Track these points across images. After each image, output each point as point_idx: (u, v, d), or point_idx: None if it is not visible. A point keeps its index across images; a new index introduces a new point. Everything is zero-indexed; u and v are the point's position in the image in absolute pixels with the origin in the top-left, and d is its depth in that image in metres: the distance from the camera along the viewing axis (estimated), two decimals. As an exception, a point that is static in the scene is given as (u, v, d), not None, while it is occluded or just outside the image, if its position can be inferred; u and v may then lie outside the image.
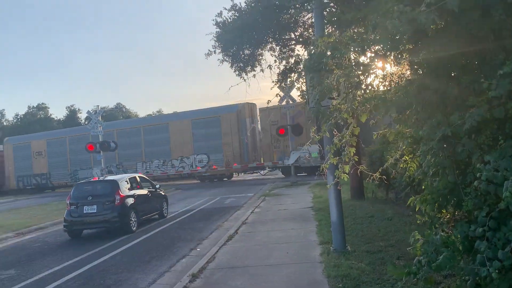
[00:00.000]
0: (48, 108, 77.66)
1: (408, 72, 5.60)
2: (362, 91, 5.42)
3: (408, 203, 5.13)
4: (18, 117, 75.66)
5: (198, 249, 10.20)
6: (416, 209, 4.98)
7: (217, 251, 9.23)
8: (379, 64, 5.36)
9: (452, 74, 5.20)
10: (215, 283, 7.08)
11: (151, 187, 15.37)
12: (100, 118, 26.48)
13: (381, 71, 5.52)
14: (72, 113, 74.63)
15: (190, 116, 33.60)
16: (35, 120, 72.03)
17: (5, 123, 75.77)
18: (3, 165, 40.39)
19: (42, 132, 44.83)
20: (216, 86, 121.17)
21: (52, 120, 74.61)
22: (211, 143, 31.95)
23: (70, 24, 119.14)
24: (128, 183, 13.90)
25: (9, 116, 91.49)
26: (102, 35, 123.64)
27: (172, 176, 34.15)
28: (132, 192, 13.70)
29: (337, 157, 6.53)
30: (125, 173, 33.03)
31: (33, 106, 76.75)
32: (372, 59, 5.20)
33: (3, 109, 79.08)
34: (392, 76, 5.65)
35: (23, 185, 39.57)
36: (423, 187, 5.17)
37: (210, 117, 32.54)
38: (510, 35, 4.34)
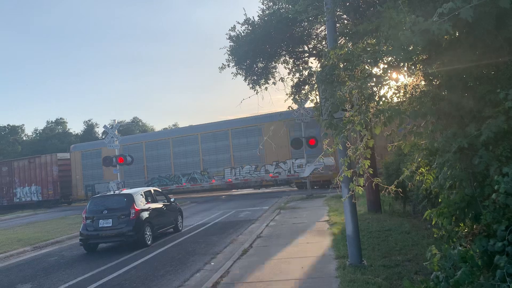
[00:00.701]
0: (66, 122, 79.01)
1: (422, 83, 5.52)
2: (376, 103, 5.36)
3: (425, 216, 5.02)
4: (37, 131, 77.06)
5: (212, 263, 10.14)
6: (433, 223, 4.87)
7: (231, 266, 9.16)
8: (393, 75, 5.31)
9: (468, 85, 5.11)
10: (229, 298, 7.00)
11: (166, 201, 15.40)
12: (116, 132, 26.78)
13: (395, 82, 5.46)
14: (90, 128, 75.72)
15: (285, 117, 27.30)
16: (54, 135, 73.25)
17: (24, 138, 77.22)
18: (69, 173, 39.64)
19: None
20: (231, 99, 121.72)
21: (70, 134, 75.77)
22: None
23: (87, 38, 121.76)
24: (143, 197, 13.96)
25: (28, 131, 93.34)
26: (117, 50, 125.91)
27: (266, 183, 32.27)
28: (147, 206, 13.75)
29: (351, 170, 6.45)
30: (210, 179, 32.53)
31: (51, 121, 78.23)
32: (385, 71, 5.16)
33: (23, 124, 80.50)
34: (406, 87, 5.58)
35: (93, 194, 35.80)
36: (439, 200, 5.06)
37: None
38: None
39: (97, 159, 36.63)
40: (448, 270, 4.18)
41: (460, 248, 4.28)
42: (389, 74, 5.25)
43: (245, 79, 15.55)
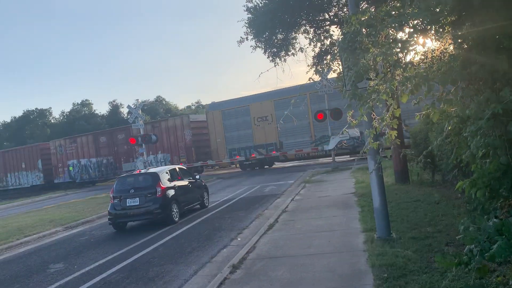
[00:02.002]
0: (92, 104, 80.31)
1: (451, 47, 5.17)
2: (402, 70, 5.07)
3: (457, 187, 4.77)
4: (64, 114, 78.70)
5: (238, 239, 10.15)
6: (466, 194, 4.62)
7: (258, 241, 9.14)
8: (419, 39, 4.98)
9: (502, 46, 4.75)
10: (255, 273, 6.97)
11: (191, 178, 15.48)
12: (140, 111, 26.96)
13: (422, 47, 5.14)
14: (115, 108, 76.77)
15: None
16: (80, 117, 74.68)
17: (52, 121, 79.05)
18: (205, 137, 34.46)
19: (265, 92, 33.12)
20: (252, 74, 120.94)
21: (96, 115, 77.04)
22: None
23: (108, 19, 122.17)
24: (168, 175, 14.05)
25: (56, 113, 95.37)
26: (138, 30, 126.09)
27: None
28: (172, 184, 13.84)
29: (378, 142, 6.21)
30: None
31: (77, 103, 79.65)
32: (411, 35, 4.84)
33: (50, 107, 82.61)
34: (434, 52, 5.26)
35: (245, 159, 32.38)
36: (472, 169, 4.80)
37: None
38: None
39: (244, 118, 31.67)
40: (483, 243, 3.96)
41: (495, 220, 4.04)
42: (415, 39, 4.92)
43: (264, 52, 15.21)
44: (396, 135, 6.15)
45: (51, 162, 41.44)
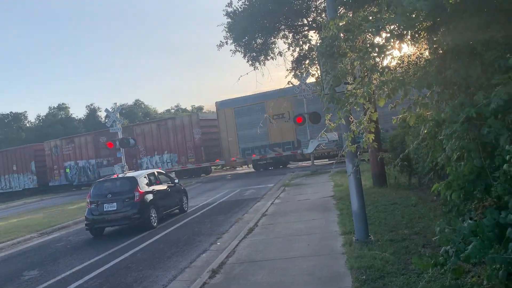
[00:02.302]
0: (69, 108, 78.93)
1: (427, 52, 5.29)
2: (379, 74, 5.14)
3: (433, 189, 4.86)
4: (40, 118, 77.11)
5: (218, 243, 10.10)
6: (441, 196, 4.71)
7: (237, 245, 9.11)
8: (396, 44, 5.07)
9: (475, 52, 4.87)
10: (235, 278, 6.95)
11: (170, 182, 15.34)
12: (118, 115, 26.61)
13: (398, 52, 5.23)
14: (92, 112, 75.61)
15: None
16: (57, 121, 73.24)
17: (28, 125, 77.29)
18: (215, 136, 32.88)
19: (282, 88, 27.05)
20: (232, 78, 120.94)
21: (73, 119, 75.71)
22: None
23: (85, 23, 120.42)
24: (146, 179, 13.89)
25: (31, 117, 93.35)
26: (115, 33, 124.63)
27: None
28: (151, 188, 13.68)
29: (355, 145, 6.29)
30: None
31: (53, 106, 78.14)
32: (387, 40, 4.92)
33: (25, 111, 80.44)
34: (410, 57, 5.36)
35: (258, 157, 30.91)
36: (447, 172, 4.89)
37: None
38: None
39: (258, 115, 28.75)
40: (458, 244, 4.04)
41: (470, 221, 4.13)
42: (392, 44, 5.01)
43: (244, 56, 15.23)
44: (373, 138, 6.23)
45: (45, 164, 39.47)
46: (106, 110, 27.85)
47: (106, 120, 28.86)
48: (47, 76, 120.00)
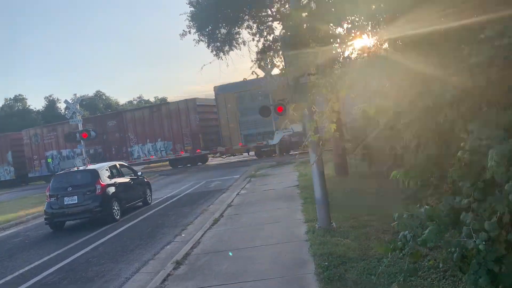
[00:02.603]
0: (26, 99, 75.79)
1: (387, 44, 5.40)
2: (340, 65, 5.22)
3: (391, 177, 5.00)
4: (-5, 110, 73.71)
5: (183, 235, 10.03)
6: (399, 183, 4.86)
7: (202, 236, 9.09)
8: (357, 35, 5.17)
9: (432, 43, 5.02)
10: (199, 269, 6.93)
11: (133, 175, 15.08)
12: (78, 106, 25.82)
13: (359, 44, 5.33)
14: (51, 103, 73.02)
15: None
16: (13, 113, 70.27)
17: (-18, 117, 73.73)
18: (212, 123, 31.47)
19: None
20: (196, 67, 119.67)
21: (31, 111, 72.88)
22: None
23: (42, 11, 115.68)
24: (108, 171, 13.59)
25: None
26: (75, 23, 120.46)
27: None
28: (113, 181, 13.40)
29: (318, 134, 6.37)
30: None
31: (10, 98, 74.83)
32: (349, 30, 5.00)
33: (-22, 103, 76.70)
34: (370, 48, 5.46)
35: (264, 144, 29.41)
36: (405, 160, 5.05)
37: None
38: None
39: (263, 101, 26.41)
40: (416, 229, 4.19)
41: (427, 207, 4.28)
42: (353, 34, 5.10)
43: (208, 46, 15.08)
44: (335, 128, 6.33)
45: (24, 154, 36.48)
46: (66, 101, 26.93)
47: (66, 112, 27.93)
48: (2, 66, 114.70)
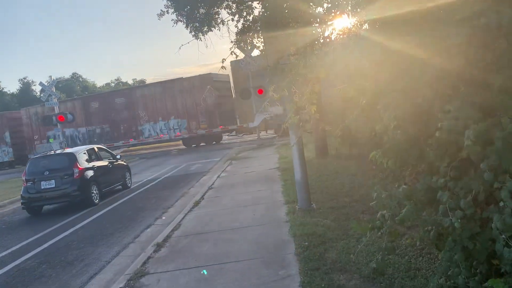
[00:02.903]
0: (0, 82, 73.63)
1: (367, 24, 5.39)
2: (320, 45, 5.19)
3: (370, 157, 5.04)
4: (-33, 92, 71.46)
5: (163, 218, 10.00)
6: (378, 163, 4.90)
7: (183, 218, 9.07)
8: (337, 15, 5.13)
9: (411, 24, 5.02)
10: (180, 251, 6.93)
11: (111, 158, 14.87)
12: (54, 89, 25.22)
13: (339, 24, 5.30)
14: (26, 86, 71.26)
15: None
16: (-14, 95, 68.33)
17: (-48, 100, 71.35)
18: (233, 99, 29.28)
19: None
20: (174, 49, 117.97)
21: (5, 94, 70.94)
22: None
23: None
24: (86, 155, 13.36)
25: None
26: (49, 3, 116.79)
27: None
28: (91, 164, 13.20)
29: (298, 116, 6.36)
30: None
31: (-19, 80, 72.57)
32: (329, 10, 4.96)
33: (-51, 85, 74.04)
34: (350, 29, 5.44)
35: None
36: (384, 141, 5.08)
37: None
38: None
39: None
40: (394, 208, 4.25)
41: (404, 186, 4.34)
42: (333, 14, 5.06)
43: (186, 27, 14.72)
44: (315, 109, 6.33)
45: (23, 135, 34.53)
46: (41, 83, 26.30)
47: (42, 95, 27.21)
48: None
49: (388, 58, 5.20)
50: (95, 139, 32.25)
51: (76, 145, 31.40)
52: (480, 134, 3.49)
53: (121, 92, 34.50)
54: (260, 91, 23.18)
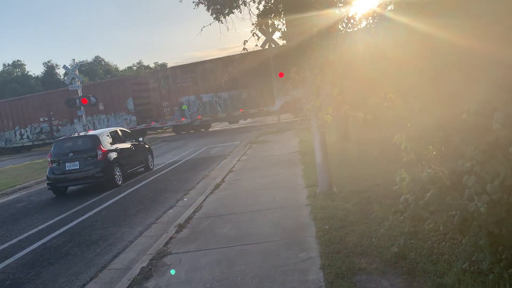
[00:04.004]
0: (25, 65, 75.36)
1: (392, 5, 5.25)
2: (344, 25, 5.09)
3: (394, 140, 4.97)
4: (-6, 76, 73.16)
5: (185, 200, 10.12)
6: (402, 147, 4.82)
7: (204, 200, 9.16)
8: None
9: (437, 4, 4.87)
10: (201, 232, 7.02)
11: (134, 141, 15.08)
12: (77, 72, 25.58)
13: (364, 5, 5.18)
14: (50, 69, 72.42)
15: None
16: (12, 78, 69.81)
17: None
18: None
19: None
20: (195, 32, 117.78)
21: (30, 77, 72.37)
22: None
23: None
24: (109, 137, 13.58)
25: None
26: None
27: None
28: (114, 146, 13.42)
29: (320, 98, 6.29)
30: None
31: (8, 64, 74.23)
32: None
33: (-24, 69, 75.97)
34: (375, 10, 5.31)
35: None
36: (408, 124, 4.99)
37: None
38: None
39: None
40: (417, 192, 4.19)
41: (429, 170, 4.27)
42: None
43: (208, 9, 14.64)
44: (337, 92, 6.24)
45: (150, 101, 32.07)
46: (65, 67, 26.61)
47: (65, 78, 27.63)
48: (0, 30, 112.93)
49: (413, 39, 5.07)
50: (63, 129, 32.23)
51: (214, 110, 30.55)
52: (509, 117, 3.38)
53: (152, 73, 33.52)
54: (281, 74, 22.96)
